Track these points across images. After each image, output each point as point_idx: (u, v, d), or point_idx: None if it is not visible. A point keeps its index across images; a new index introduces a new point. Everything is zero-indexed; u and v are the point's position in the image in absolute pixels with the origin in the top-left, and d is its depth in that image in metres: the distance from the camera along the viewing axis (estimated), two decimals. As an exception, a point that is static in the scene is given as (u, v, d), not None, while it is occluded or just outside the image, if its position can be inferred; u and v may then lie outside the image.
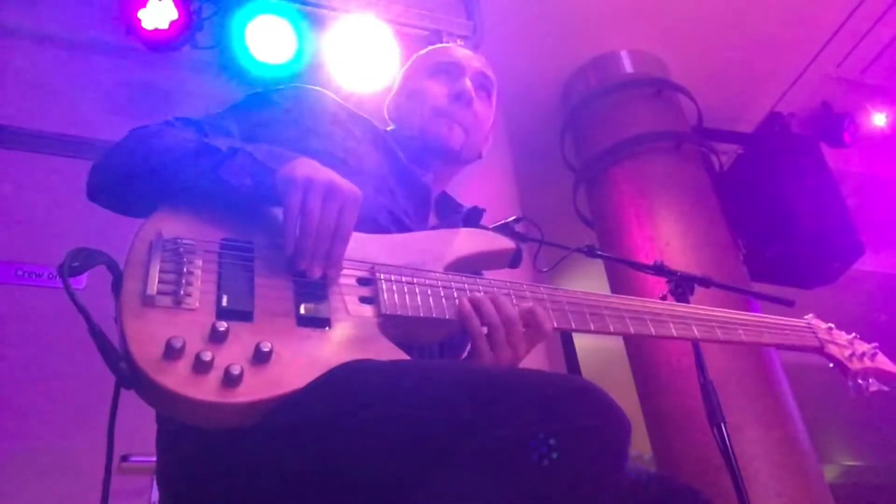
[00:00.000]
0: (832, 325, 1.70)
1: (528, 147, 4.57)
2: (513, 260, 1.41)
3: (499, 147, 3.98)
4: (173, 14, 3.04)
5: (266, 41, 3.17)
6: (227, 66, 3.16)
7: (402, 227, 1.34)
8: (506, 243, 1.40)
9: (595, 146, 4.51)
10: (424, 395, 0.92)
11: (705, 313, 1.46)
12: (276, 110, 1.37)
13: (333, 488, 0.93)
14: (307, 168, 1.08)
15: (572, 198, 4.71)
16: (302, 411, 0.93)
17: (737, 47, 4.59)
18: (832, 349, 1.64)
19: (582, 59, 4.67)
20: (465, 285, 1.21)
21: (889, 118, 5.01)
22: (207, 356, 0.90)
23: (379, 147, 1.45)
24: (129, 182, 1.16)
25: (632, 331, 1.30)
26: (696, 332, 1.40)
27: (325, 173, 1.09)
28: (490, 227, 1.83)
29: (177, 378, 0.89)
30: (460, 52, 1.61)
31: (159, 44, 3.07)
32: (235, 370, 0.91)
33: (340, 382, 0.96)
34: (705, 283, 1.87)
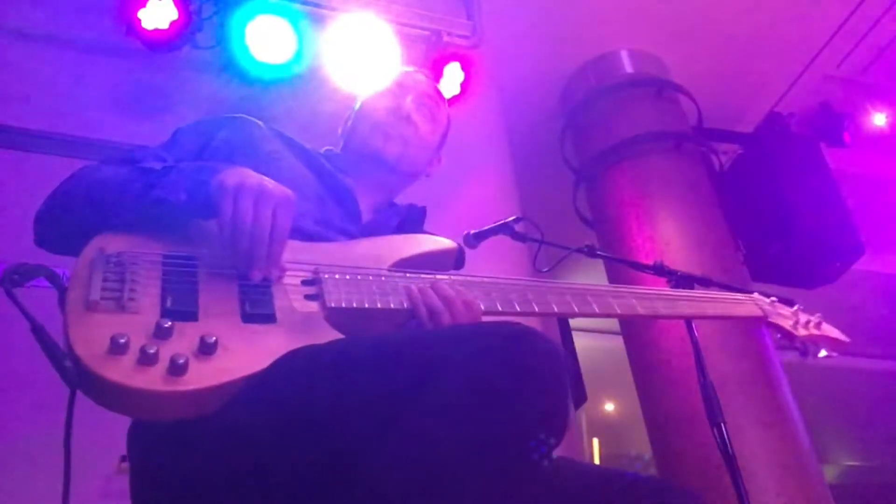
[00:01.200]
0: (775, 299, 1.75)
1: (528, 147, 4.57)
2: (456, 260, 1.45)
3: (499, 147, 3.99)
4: (173, 14, 3.04)
5: (266, 41, 3.17)
6: (227, 66, 3.16)
7: (333, 230, 1.38)
8: (446, 244, 1.43)
9: (595, 146, 4.51)
10: (370, 363, 0.95)
11: (649, 291, 1.50)
12: (202, 139, 1.42)
13: (294, 466, 0.95)
14: (237, 176, 1.12)
15: (572, 198, 4.71)
16: (249, 399, 0.95)
17: (737, 47, 4.59)
18: (777, 319, 1.70)
19: (582, 59, 4.67)
20: (408, 276, 1.25)
21: (889, 118, 5.00)
22: (152, 349, 0.92)
23: (301, 157, 1.50)
24: (70, 218, 1.19)
25: (576, 311, 1.34)
26: (639, 309, 1.44)
27: (254, 178, 1.12)
28: (490, 226, 1.83)
29: (122, 371, 0.90)
30: (409, 76, 1.69)
31: (159, 44, 3.07)
32: (180, 360, 0.92)
33: (290, 366, 0.99)
34: (705, 282, 1.87)
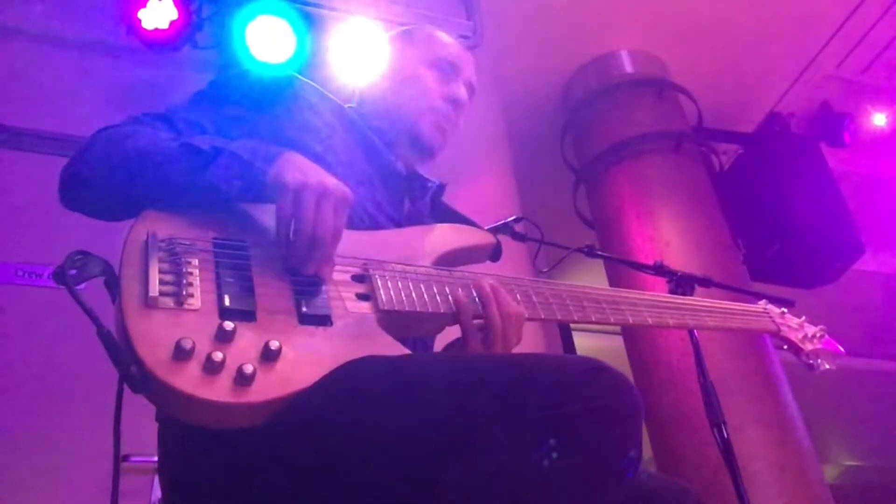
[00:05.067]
0: (785, 310, 1.76)
1: (528, 147, 4.57)
2: (493, 254, 1.45)
3: (499, 147, 3.98)
4: (173, 14, 3.04)
5: (266, 41, 3.17)
6: (227, 66, 3.16)
7: (384, 217, 1.36)
8: (488, 238, 1.44)
9: (595, 146, 4.52)
10: (438, 389, 0.92)
11: (677, 302, 1.53)
12: (246, 102, 1.33)
13: (342, 485, 0.93)
14: (298, 172, 1.07)
15: (572, 198, 4.71)
16: (310, 409, 0.93)
17: (737, 47, 4.59)
18: (787, 332, 1.71)
19: (582, 59, 4.67)
20: (456, 280, 1.23)
21: (889, 118, 5.01)
22: (219, 356, 0.89)
23: (353, 133, 1.44)
24: (106, 187, 1.13)
25: (612, 320, 1.34)
26: (670, 321, 1.46)
27: (315, 176, 1.08)
28: (490, 226, 1.83)
29: (190, 379, 0.88)
30: (458, 50, 1.59)
31: (159, 44, 3.07)
32: (248, 369, 0.89)
33: (348, 380, 0.96)
34: (705, 283, 1.87)
